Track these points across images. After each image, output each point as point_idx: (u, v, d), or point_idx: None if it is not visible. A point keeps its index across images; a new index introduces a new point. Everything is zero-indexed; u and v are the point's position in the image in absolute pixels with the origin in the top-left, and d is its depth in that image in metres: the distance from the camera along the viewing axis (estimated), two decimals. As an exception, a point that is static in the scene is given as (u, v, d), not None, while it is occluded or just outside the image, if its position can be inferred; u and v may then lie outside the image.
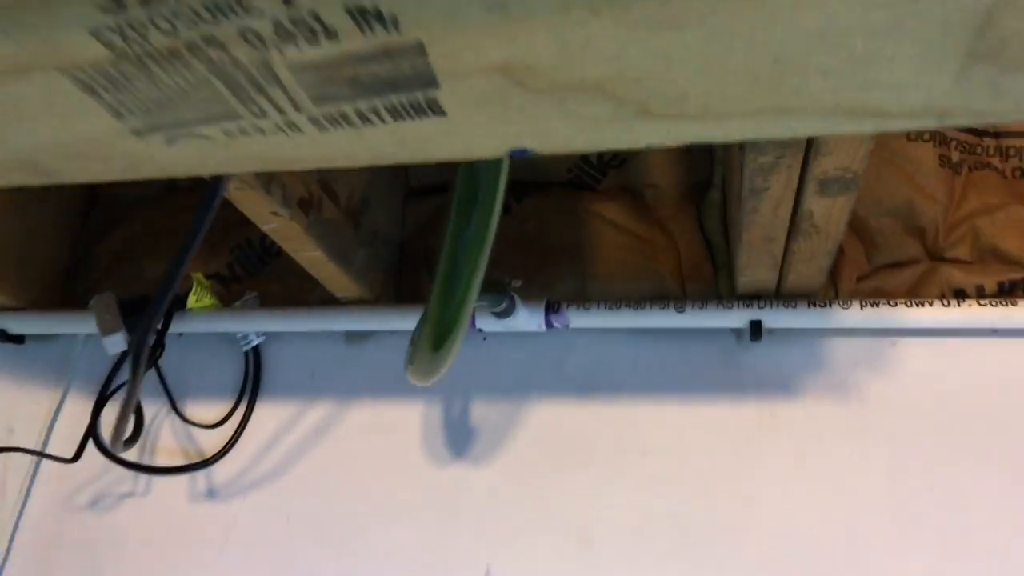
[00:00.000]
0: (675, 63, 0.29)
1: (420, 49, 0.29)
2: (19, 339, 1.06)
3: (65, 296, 1.10)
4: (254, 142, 0.35)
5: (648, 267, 0.97)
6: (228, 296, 1.04)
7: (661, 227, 1.00)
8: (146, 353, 0.62)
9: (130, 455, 0.98)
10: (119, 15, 0.27)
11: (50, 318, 1.03)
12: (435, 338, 0.56)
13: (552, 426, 0.92)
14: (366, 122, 0.33)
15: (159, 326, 0.93)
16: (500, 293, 0.82)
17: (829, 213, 0.70)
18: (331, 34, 0.28)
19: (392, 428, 0.95)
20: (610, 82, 0.30)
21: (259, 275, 1.06)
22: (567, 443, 0.91)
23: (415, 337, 0.59)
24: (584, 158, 1.00)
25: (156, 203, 1.13)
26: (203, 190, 0.48)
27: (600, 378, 0.93)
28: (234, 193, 0.72)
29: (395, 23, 0.27)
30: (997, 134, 0.96)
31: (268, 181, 0.72)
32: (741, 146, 0.64)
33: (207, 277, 1.04)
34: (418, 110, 0.32)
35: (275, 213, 0.76)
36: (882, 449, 0.86)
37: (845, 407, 0.88)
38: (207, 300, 0.99)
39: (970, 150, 0.96)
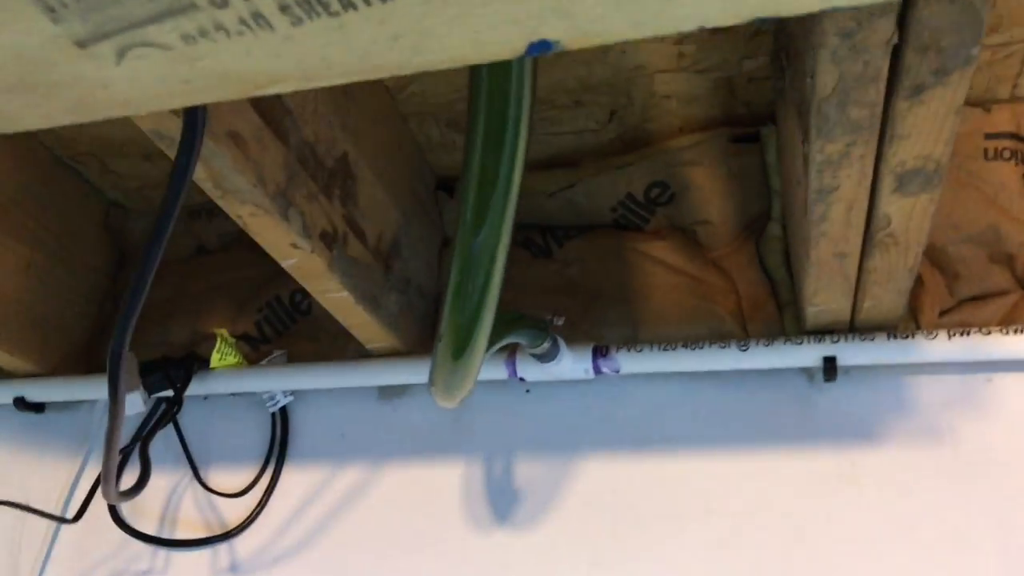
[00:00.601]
0: None
1: None
2: (39, 407, 1.00)
3: (91, 361, 1.05)
4: (219, 50, 0.29)
5: (705, 308, 0.89)
6: (257, 358, 0.98)
7: (717, 266, 0.92)
8: (122, 372, 0.55)
9: (149, 527, 0.91)
10: None
11: (70, 384, 0.98)
12: (455, 346, 0.49)
13: (604, 484, 0.83)
14: (347, 5, 0.27)
15: (178, 386, 0.87)
16: (540, 328, 0.75)
17: (909, 217, 0.62)
18: None
19: (430, 491, 0.87)
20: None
21: (288, 334, 1.00)
22: (621, 503, 0.82)
23: (434, 353, 0.52)
24: (629, 195, 0.93)
25: (185, 265, 1.09)
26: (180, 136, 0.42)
27: (656, 429, 0.84)
28: (249, 221, 0.67)
29: None
30: (1084, 151, 0.87)
31: (285, 207, 0.67)
32: (806, 137, 0.57)
33: (234, 337, 0.99)
34: (409, -23, 0.26)
35: (295, 245, 0.70)
36: (984, 500, 0.75)
37: (937, 453, 0.77)
38: (232, 358, 0.93)
39: (1055, 169, 0.87)
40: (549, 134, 0.94)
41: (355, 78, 0.30)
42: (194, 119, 0.40)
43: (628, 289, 0.92)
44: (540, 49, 0.28)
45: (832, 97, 0.51)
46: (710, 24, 0.27)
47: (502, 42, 0.28)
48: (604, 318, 0.90)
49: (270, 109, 0.66)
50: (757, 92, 0.88)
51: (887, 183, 0.59)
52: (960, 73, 0.49)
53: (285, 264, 0.73)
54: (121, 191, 1.09)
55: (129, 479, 0.85)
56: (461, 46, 0.28)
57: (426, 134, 0.95)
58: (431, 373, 0.54)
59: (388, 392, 0.92)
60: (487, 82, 0.37)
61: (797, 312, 0.85)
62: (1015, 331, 0.75)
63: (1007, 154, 0.86)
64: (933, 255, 0.86)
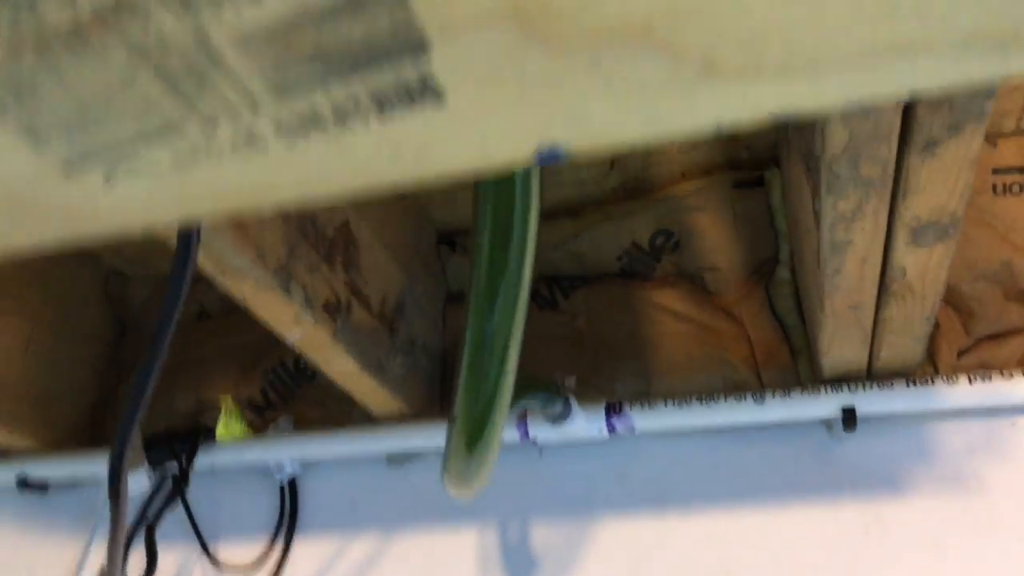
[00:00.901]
0: (748, -19, 0.21)
1: (399, -7, 0.21)
2: (42, 487, 0.98)
3: (94, 434, 1.03)
4: (211, 169, 0.27)
5: (717, 357, 0.87)
6: (262, 425, 0.97)
7: (727, 313, 0.90)
8: (124, 475, 0.53)
9: (156, 607, 0.89)
10: (-4, -25, 0.20)
11: (73, 461, 0.95)
12: (468, 436, 0.47)
13: (622, 546, 0.81)
14: (345, 122, 0.25)
15: (184, 462, 0.85)
16: (552, 391, 0.73)
17: (925, 268, 0.61)
18: (276, -22, 0.21)
19: (444, 558, 0.84)
20: (660, 21, 0.22)
21: (294, 399, 0.99)
22: (640, 566, 0.79)
23: (447, 439, 0.50)
24: (635, 243, 0.92)
25: (187, 330, 1.07)
26: (174, 254, 0.41)
27: (673, 488, 0.82)
28: (250, 297, 0.66)
29: (359, -48, 0.20)
30: (1094, 182, 0.86)
31: (287, 281, 0.66)
32: (816, 193, 0.56)
33: (239, 404, 0.97)
34: (409, 95, 0.24)
35: (298, 319, 0.69)
36: (1015, 548, 0.72)
37: (965, 502, 0.75)
38: (237, 427, 0.91)
39: (1067, 201, 0.85)
40: (550, 185, 0.93)
41: (354, 190, 0.29)
42: (188, 234, 0.39)
43: (638, 340, 0.90)
44: (549, 158, 0.27)
45: (843, 155, 0.50)
46: (727, 124, 0.26)
47: (509, 148, 0.27)
48: (615, 371, 0.89)
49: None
50: (760, 137, 0.87)
51: (901, 236, 0.57)
52: (974, 127, 0.48)
53: (288, 338, 0.71)
54: (120, 258, 1.08)
55: (136, 560, 0.83)
56: (467, 156, 0.27)
57: (426, 190, 0.94)
58: (444, 460, 0.52)
59: (397, 458, 0.90)
60: (492, 185, 0.36)
61: (811, 358, 0.83)
62: (1038, 373, 0.74)
63: (1016, 188, 0.84)
64: (947, 294, 0.84)
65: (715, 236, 0.90)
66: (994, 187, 0.84)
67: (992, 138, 0.86)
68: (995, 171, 0.85)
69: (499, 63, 0.23)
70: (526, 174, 0.35)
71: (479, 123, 0.26)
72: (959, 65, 0.23)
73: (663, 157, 0.90)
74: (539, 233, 0.98)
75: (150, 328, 1.11)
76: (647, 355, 0.89)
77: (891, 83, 0.24)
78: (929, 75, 0.24)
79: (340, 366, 0.76)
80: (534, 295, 0.96)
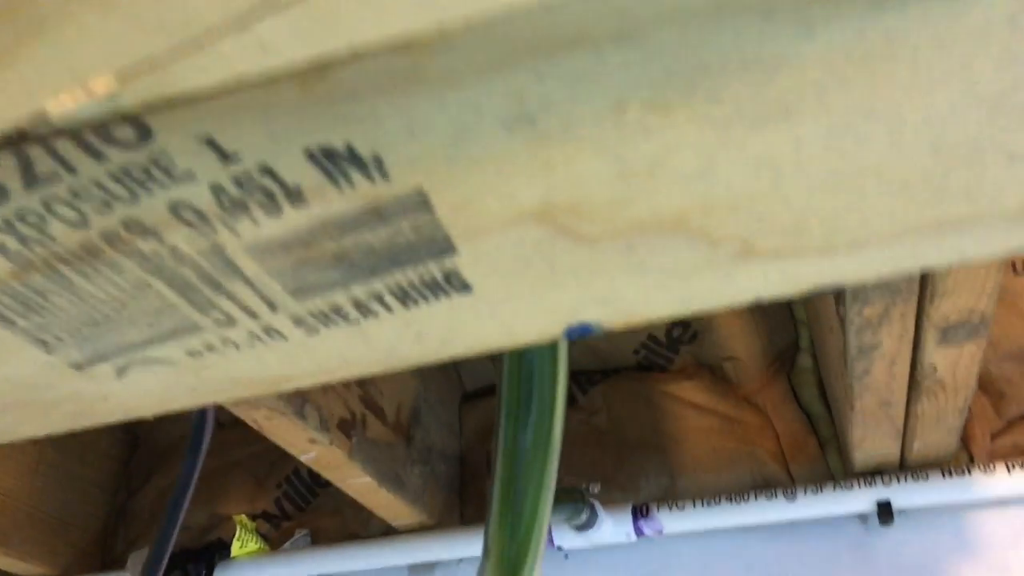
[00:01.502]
0: (787, 174, 0.20)
1: (422, 201, 0.20)
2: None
3: (105, 554, 1.00)
4: (227, 360, 0.26)
5: (743, 451, 0.85)
6: (278, 537, 0.94)
7: (750, 403, 0.88)
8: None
9: None
10: (2, 206, 0.20)
11: (86, 584, 0.93)
12: (505, 570, 0.44)
13: (659, 656, 0.77)
14: (368, 314, 0.24)
15: (198, 582, 0.83)
16: (578, 502, 0.71)
17: (956, 365, 0.59)
18: (294, 195, 0.20)
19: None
20: (695, 213, 0.21)
21: (310, 509, 0.96)
22: (680, 676, 0.76)
23: (480, 568, 0.47)
24: (651, 335, 0.90)
25: (199, 441, 1.05)
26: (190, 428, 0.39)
27: (707, 591, 0.79)
28: (264, 424, 0.64)
29: (380, 167, 0.19)
30: (1115, 254, 0.85)
31: (301, 405, 0.64)
32: (838, 298, 0.55)
33: (254, 517, 0.94)
34: (434, 288, 0.23)
35: (313, 440, 0.67)
36: (1074, 647, 0.69)
37: (1014, 597, 0.72)
38: (252, 544, 0.88)
39: (1088, 275, 0.84)
40: (562, 281, 0.92)
41: (376, 372, 0.28)
42: (202, 416, 0.38)
43: (660, 435, 0.88)
44: (579, 334, 0.26)
45: (867, 265, 0.49)
46: (766, 298, 0.25)
47: (537, 330, 0.26)
48: (639, 469, 0.86)
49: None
50: (771, 225, 0.86)
51: (931, 337, 0.56)
52: (1000, 232, 0.47)
53: (304, 459, 0.69)
54: (130, 369, 1.07)
55: None
56: (492, 337, 0.26)
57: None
58: None
59: (419, 570, 0.87)
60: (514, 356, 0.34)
61: (841, 449, 0.81)
62: (1078, 459, 0.71)
63: (1036, 266, 0.83)
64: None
65: (733, 325, 0.89)
66: (1013, 266, 0.83)
67: (1007, 215, 0.85)
68: (1013, 248, 0.83)
69: (528, 256, 0.22)
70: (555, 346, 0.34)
71: (507, 307, 0.25)
72: (1009, 235, 0.22)
73: (675, 248, 0.89)
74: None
75: (158, 442, 1.09)
76: (671, 450, 0.87)
77: (938, 254, 0.23)
78: (978, 245, 0.23)
79: (357, 483, 0.74)
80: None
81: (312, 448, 0.68)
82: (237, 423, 1.05)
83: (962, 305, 0.53)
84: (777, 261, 0.23)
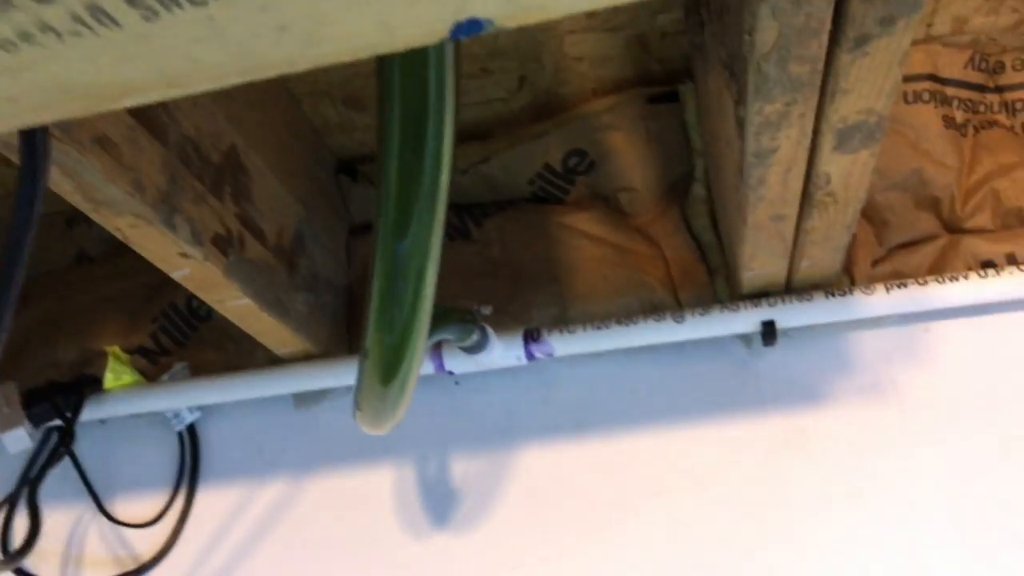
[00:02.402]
0: None
1: None
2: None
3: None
4: (50, 57, 0.22)
5: (634, 279, 0.84)
6: (157, 373, 0.90)
7: (643, 233, 0.88)
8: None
9: (50, 571, 0.83)
10: None
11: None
12: (383, 370, 0.43)
13: (544, 475, 0.79)
14: (216, -13, 0.20)
15: (68, 416, 0.79)
16: (468, 322, 0.69)
17: (849, 175, 0.59)
18: None
19: (360, 499, 0.81)
20: None
21: (190, 343, 0.92)
22: (563, 494, 0.78)
23: (359, 374, 0.45)
24: (547, 165, 0.88)
25: (67, 276, 0.99)
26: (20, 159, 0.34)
27: (595, 412, 0.80)
28: (129, 233, 0.59)
29: None
30: (999, 88, 0.86)
31: (170, 214, 0.59)
32: (740, 99, 0.53)
33: (129, 353, 0.90)
34: (294, -52, 0.19)
35: (185, 254, 0.63)
36: (933, 453, 0.73)
37: (883, 410, 0.75)
38: (127, 377, 0.84)
39: (974, 108, 0.85)
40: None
41: (234, 80, 0.24)
42: (32, 143, 0.33)
43: (554, 266, 0.87)
44: (469, 31, 0.22)
45: (772, 54, 0.47)
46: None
47: (421, 25, 0.22)
48: (532, 299, 0.85)
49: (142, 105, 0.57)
50: (672, 48, 0.84)
51: (827, 141, 0.55)
52: (906, 21, 0.45)
53: (176, 275, 0.65)
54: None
55: (20, 526, 0.77)
56: (367, 33, 0.22)
57: (322, 115, 0.88)
58: (356, 396, 0.48)
59: (305, 399, 0.85)
60: (400, 69, 0.30)
61: (728, 276, 0.82)
62: (950, 279, 0.74)
63: (926, 96, 0.84)
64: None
65: (629, 155, 0.87)
66: (905, 95, 0.84)
67: (902, 45, 0.84)
68: (906, 79, 0.84)
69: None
70: (439, 58, 0.30)
71: (383, -11, 0.21)
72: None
73: (573, 74, 0.85)
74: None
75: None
76: (563, 280, 0.86)
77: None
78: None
79: (236, 305, 0.70)
80: (444, 225, 0.91)
81: (185, 263, 0.64)
82: (108, 256, 0.99)
83: (861, 105, 0.52)
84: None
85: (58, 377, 0.89)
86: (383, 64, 0.30)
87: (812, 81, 0.49)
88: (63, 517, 0.85)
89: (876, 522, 0.72)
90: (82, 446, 0.86)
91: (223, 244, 0.66)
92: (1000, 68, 0.86)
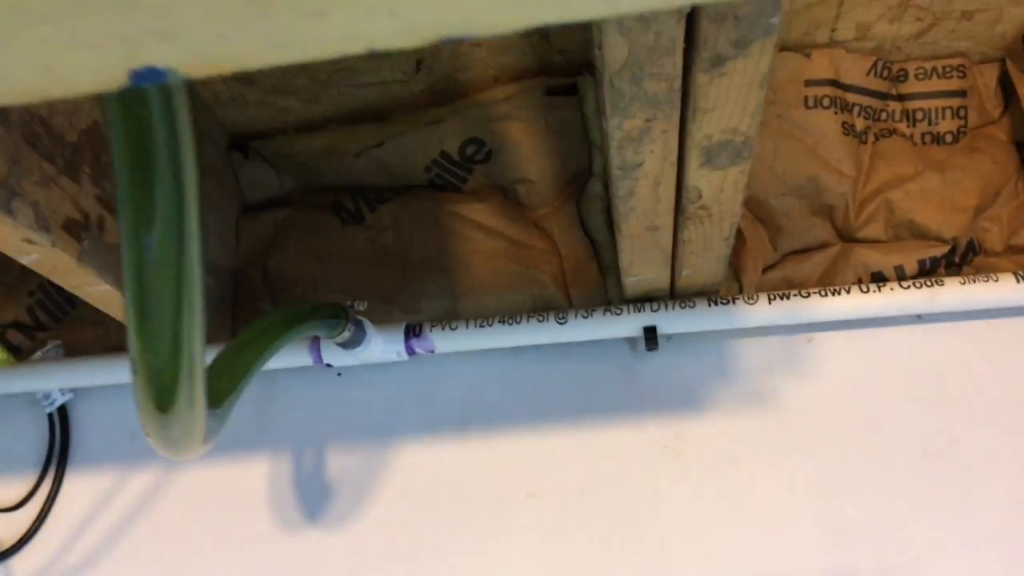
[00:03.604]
0: None
1: None
2: None
3: None
4: None
5: (526, 275, 0.83)
6: (33, 350, 0.86)
7: (538, 227, 0.86)
8: None
9: (-93, 555, 0.79)
10: None
11: None
12: (156, 394, 0.38)
13: (423, 471, 0.77)
14: None
15: (-78, 393, 0.75)
16: (338, 319, 0.67)
17: (720, 190, 0.58)
18: None
19: (233, 492, 0.79)
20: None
21: (68, 319, 0.88)
22: (441, 491, 0.76)
23: (135, 396, 0.40)
24: (443, 152, 0.85)
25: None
26: None
27: (476, 410, 0.79)
28: (-36, 217, 0.56)
29: None
30: (901, 96, 0.86)
31: (7, 199, 0.56)
32: (602, 111, 0.51)
33: (4, 328, 0.86)
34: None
35: (29, 240, 0.59)
36: (806, 465, 0.74)
37: (761, 419, 0.75)
38: (-6, 355, 0.81)
39: (874, 116, 0.85)
40: (351, 86, 0.85)
41: None
42: None
43: (446, 256, 0.85)
44: (151, 78, 0.20)
45: (624, 71, 0.45)
46: (384, 47, 0.20)
47: (91, 73, 0.20)
48: (421, 290, 0.83)
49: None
50: (573, 39, 0.81)
51: (694, 157, 0.53)
52: (761, 44, 0.44)
53: (24, 261, 0.62)
54: None
55: None
56: (29, 77, 0.20)
57: (211, 88, 0.84)
58: (140, 419, 0.43)
59: (180, 385, 0.82)
60: (117, 106, 0.27)
61: (619, 277, 0.80)
62: (833, 292, 0.73)
63: (827, 102, 0.83)
64: (756, 208, 0.83)
65: (528, 146, 0.85)
66: (806, 100, 0.82)
67: (806, 48, 0.83)
68: (808, 83, 0.83)
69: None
70: (161, 93, 0.27)
71: (28, 37, 0.18)
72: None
73: (473, 60, 0.83)
74: (341, 139, 0.90)
75: None
76: (455, 272, 0.84)
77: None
78: None
79: (96, 291, 0.67)
80: (337, 208, 0.88)
81: (31, 249, 0.60)
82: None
83: (725, 124, 0.50)
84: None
85: (-75, 351, 0.85)
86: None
87: (671, 99, 0.48)
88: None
89: (746, 529, 0.72)
90: (-56, 424, 0.83)
91: (77, 229, 0.63)
92: (903, 76, 0.85)
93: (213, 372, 0.51)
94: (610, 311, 0.74)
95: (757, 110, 0.49)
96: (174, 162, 0.29)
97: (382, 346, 0.75)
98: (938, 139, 0.85)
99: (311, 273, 0.86)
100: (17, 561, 0.79)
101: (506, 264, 0.83)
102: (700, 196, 0.58)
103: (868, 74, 0.84)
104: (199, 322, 0.35)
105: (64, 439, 0.82)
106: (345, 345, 0.72)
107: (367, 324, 0.73)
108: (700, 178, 0.56)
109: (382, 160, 0.87)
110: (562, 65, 0.84)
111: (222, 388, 0.51)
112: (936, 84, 0.85)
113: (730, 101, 0.48)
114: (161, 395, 0.37)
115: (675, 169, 0.55)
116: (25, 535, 0.79)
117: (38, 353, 0.83)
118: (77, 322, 0.88)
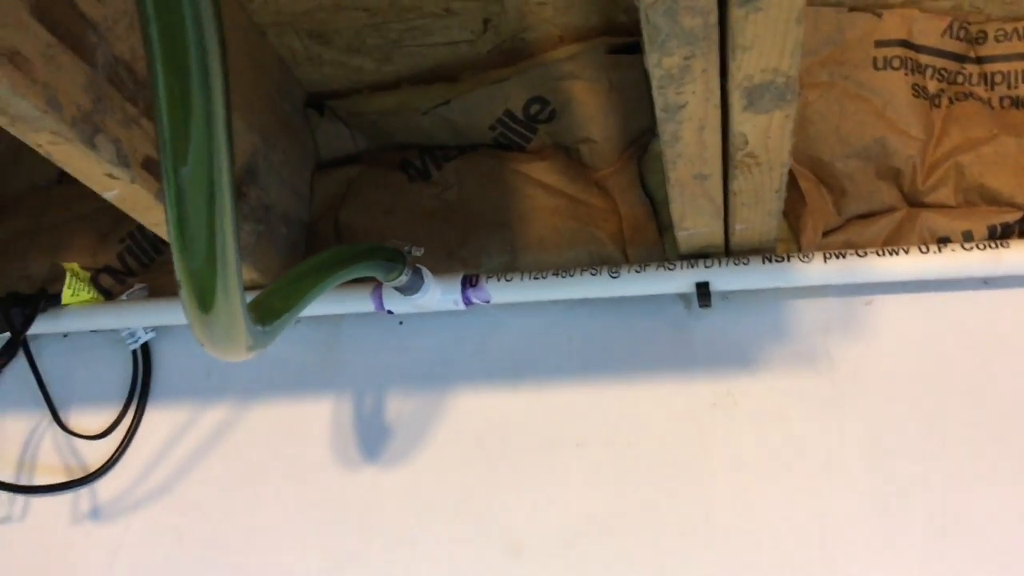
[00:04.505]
0: None
1: None
2: None
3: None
4: None
5: (586, 232, 0.84)
6: (122, 292, 0.92)
7: (599, 187, 0.87)
8: None
9: (5, 474, 0.87)
10: None
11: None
12: (198, 296, 0.43)
13: (476, 418, 0.80)
14: None
15: (18, 327, 0.81)
16: (394, 262, 0.70)
17: (766, 135, 0.58)
18: None
19: (297, 429, 0.83)
20: None
21: (154, 266, 0.94)
22: (493, 437, 0.79)
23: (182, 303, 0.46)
24: (507, 111, 0.87)
25: (45, 194, 1.01)
26: None
27: (529, 360, 0.81)
28: (52, 151, 0.61)
29: None
30: (980, 59, 0.83)
31: (91, 135, 0.60)
32: (643, 49, 0.52)
33: (96, 271, 0.92)
34: None
35: (111, 175, 0.64)
36: (859, 427, 0.73)
37: (814, 379, 0.75)
38: (85, 294, 0.87)
39: (950, 79, 0.83)
40: (421, 45, 0.87)
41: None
42: None
43: (508, 213, 0.87)
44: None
45: (659, 4, 0.46)
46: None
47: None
48: (483, 245, 0.86)
49: (64, 23, 0.58)
50: (637, -2, 0.82)
51: (736, 99, 0.54)
52: (797, -24, 0.44)
53: (106, 196, 0.67)
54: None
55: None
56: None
57: (289, 47, 0.88)
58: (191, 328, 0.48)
59: (252, 327, 0.87)
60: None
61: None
62: (892, 252, 0.72)
63: (897, 63, 0.81)
64: (820, 171, 0.82)
65: (591, 105, 0.86)
66: (875, 61, 0.81)
67: (876, 8, 0.82)
68: (877, 43, 0.81)
69: None
70: None
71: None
72: None
73: (537, 19, 0.84)
74: (410, 97, 0.93)
75: (3, 191, 1.05)
76: (516, 229, 0.86)
77: None
78: None
79: (173, 229, 0.71)
80: (406, 165, 0.91)
81: (113, 184, 0.65)
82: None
83: (764, 64, 0.50)
84: None
85: (28, 290, 0.93)
86: None
87: (708, 35, 0.48)
88: (20, 424, 0.89)
89: (795, 489, 0.72)
90: (44, 357, 0.90)
91: (155, 167, 0.67)
92: (982, 38, 0.83)
93: (270, 293, 0.56)
94: (663, 266, 0.75)
95: (796, 48, 0.49)
96: (203, 51, 0.32)
97: (440, 295, 0.78)
98: (1017, 103, 0.82)
99: (379, 227, 0.89)
100: (102, 484, 0.85)
101: (566, 221, 0.85)
102: (746, 142, 0.58)
103: (944, 35, 0.82)
104: (231, 233, 0.40)
105: (146, 374, 0.88)
106: (403, 290, 0.75)
107: (425, 272, 0.76)
108: (745, 122, 0.56)
109: (449, 119, 0.89)
110: (627, 25, 0.84)
111: (274, 308, 0.55)
112: (1017, 46, 0.82)
113: (768, 38, 0.48)
114: (203, 297, 0.42)
115: (719, 112, 0.56)
116: (108, 461, 0.85)
117: (124, 294, 0.89)
118: (162, 269, 0.94)
